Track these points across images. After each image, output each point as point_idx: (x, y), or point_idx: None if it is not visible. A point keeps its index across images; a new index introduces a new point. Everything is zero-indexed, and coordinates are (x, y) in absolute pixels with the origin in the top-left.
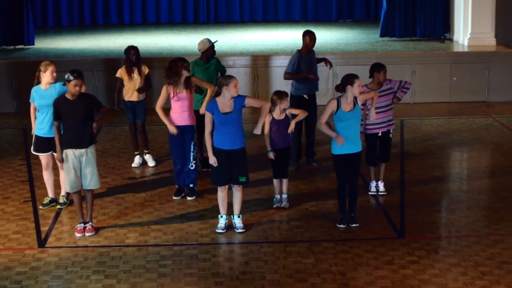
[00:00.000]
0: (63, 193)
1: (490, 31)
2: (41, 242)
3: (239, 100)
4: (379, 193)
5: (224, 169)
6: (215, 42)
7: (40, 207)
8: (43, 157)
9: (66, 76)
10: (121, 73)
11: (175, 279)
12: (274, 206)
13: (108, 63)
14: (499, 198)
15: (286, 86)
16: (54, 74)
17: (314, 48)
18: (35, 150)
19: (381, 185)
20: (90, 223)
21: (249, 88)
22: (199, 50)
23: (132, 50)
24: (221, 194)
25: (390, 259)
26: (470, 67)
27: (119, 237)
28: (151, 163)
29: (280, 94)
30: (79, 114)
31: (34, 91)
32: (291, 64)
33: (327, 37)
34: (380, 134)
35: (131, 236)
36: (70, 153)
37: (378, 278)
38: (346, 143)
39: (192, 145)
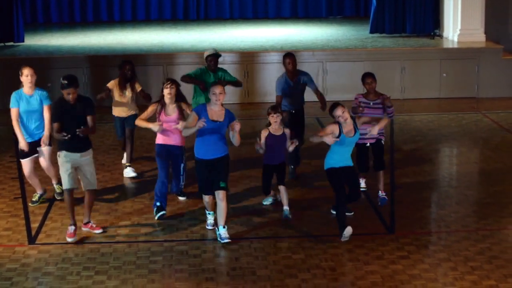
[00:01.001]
0: (56, 181)
1: (480, 27)
2: (32, 239)
3: (229, 116)
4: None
5: (207, 179)
6: (212, 54)
7: (30, 204)
8: (27, 163)
9: (60, 82)
10: (113, 85)
11: (166, 275)
12: (264, 203)
13: (98, 60)
14: (488, 193)
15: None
16: (29, 78)
17: (304, 48)
18: (21, 157)
19: (383, 196)
20: (91, 223)
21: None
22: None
23: (127, 65)
24: (206, 197)
25: (380, 254)
26: (459, 63)
27: (109, 233)
28: (132, 174)
29: (274, 108)
30: (80, 118)
31: (18, 95)
32: (278, 88)
33: (317, 33)
34: (368, 145)
35: (121, 233)
36: (66, 153)
37: (368, 273)
38: (340, 160)
39: (182, 168)
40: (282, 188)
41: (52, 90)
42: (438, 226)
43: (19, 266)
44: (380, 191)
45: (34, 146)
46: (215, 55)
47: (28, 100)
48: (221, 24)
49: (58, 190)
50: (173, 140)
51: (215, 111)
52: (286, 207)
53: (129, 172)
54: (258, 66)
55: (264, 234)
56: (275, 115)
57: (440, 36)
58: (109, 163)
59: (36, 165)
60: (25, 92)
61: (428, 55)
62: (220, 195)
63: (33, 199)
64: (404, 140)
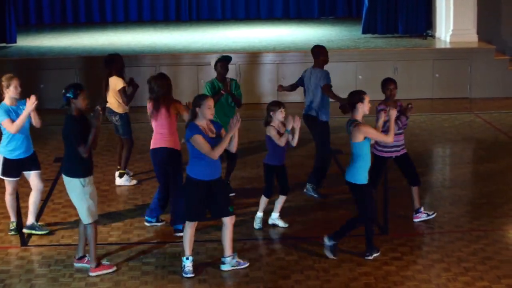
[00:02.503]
0: (32, 220)
1: (472, 27)
2: (24, 241)
3: (217, 126)
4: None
5: (202, 203)
6: (220, 59)
7: (11, 233)
8: (11, 182)
9: (68, 93)
10: (123, 82)
11: (158, 276)
12: (257, 227)
13: (90, 61)
14: (482, 194)
15: (269, 83)
16: (19, 89)
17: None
18: (3, 174)
19: (423, 216)
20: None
21: None
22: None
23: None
24: (190, 230)
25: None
26: (452, 63)
27: (102, 235)
28: (127, 183)
29: (276, 104)
30: (86, 132)
31: (2, 108)
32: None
33: (310, 34)
34: (393, 157)
35: (114, 234)
36: (90, 179)
37: (361, 274)
38: (366, 171)
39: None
40: (282, 197)
41: (44, 91)
42: (431, 227)
43: (12, 268)
44: (419, 208)
45: (21, 165)
46: (223, 59)
47: (14, 113)
48: (213, 25)
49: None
50: (166, 142)
51: (205, 127)
52: (276, 214)
53: (125, 181)
54: (250, 66)
55: (257, 236)
56: (283, 109)
57: (433, 36)
58: (102, 165)
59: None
60: (7, 104)
61: (420, 55)
62: (228, 219)
63: (11, 228)
64: None
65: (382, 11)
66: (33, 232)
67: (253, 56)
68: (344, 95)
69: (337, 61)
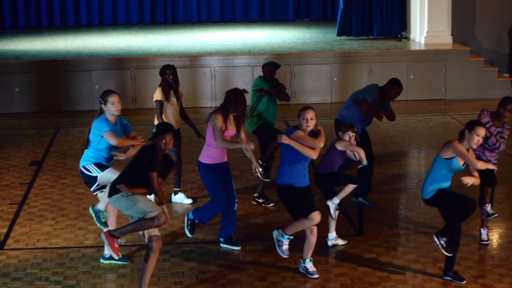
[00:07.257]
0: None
1: (446, 29)
2: (0, 244)
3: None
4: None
5: (305, 199)
6: (269, 63)
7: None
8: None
9: (153, 131)
10: (159, 95)
11: (135, 279)
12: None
13: (65, 64)
14: None
15: (245, 85)
16: (118, 106)
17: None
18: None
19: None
20: None
21: (207, 88)
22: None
23: (168, 69)
24: (317, 216)
25: (349, 256)
26: (427, 65)
27: (78, 238)
28: (187, 200)
29: (345, 127)
30: (163, 176)
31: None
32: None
33: (285, 36)
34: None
35: (90, 237)
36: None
37: (338, 275)
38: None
39: (232, 182)
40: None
41: (19, 95)
42: (406, 228)
43: None
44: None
45: None
46: (271, 64)
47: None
48: (189, 28)
49: None
50: (224, 156)
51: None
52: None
53: (182, 199)
54: (225, 69)
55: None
56: (346, 134)
57: (407, 38)
58: (77, 168)
59: None
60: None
61: (395, 57)
62: (314, 229)
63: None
64: (372, 143)
65: (357, 13)
66: (112, 262)
67: (228, 59)
68: (318, 98)
69: (311, 63)
